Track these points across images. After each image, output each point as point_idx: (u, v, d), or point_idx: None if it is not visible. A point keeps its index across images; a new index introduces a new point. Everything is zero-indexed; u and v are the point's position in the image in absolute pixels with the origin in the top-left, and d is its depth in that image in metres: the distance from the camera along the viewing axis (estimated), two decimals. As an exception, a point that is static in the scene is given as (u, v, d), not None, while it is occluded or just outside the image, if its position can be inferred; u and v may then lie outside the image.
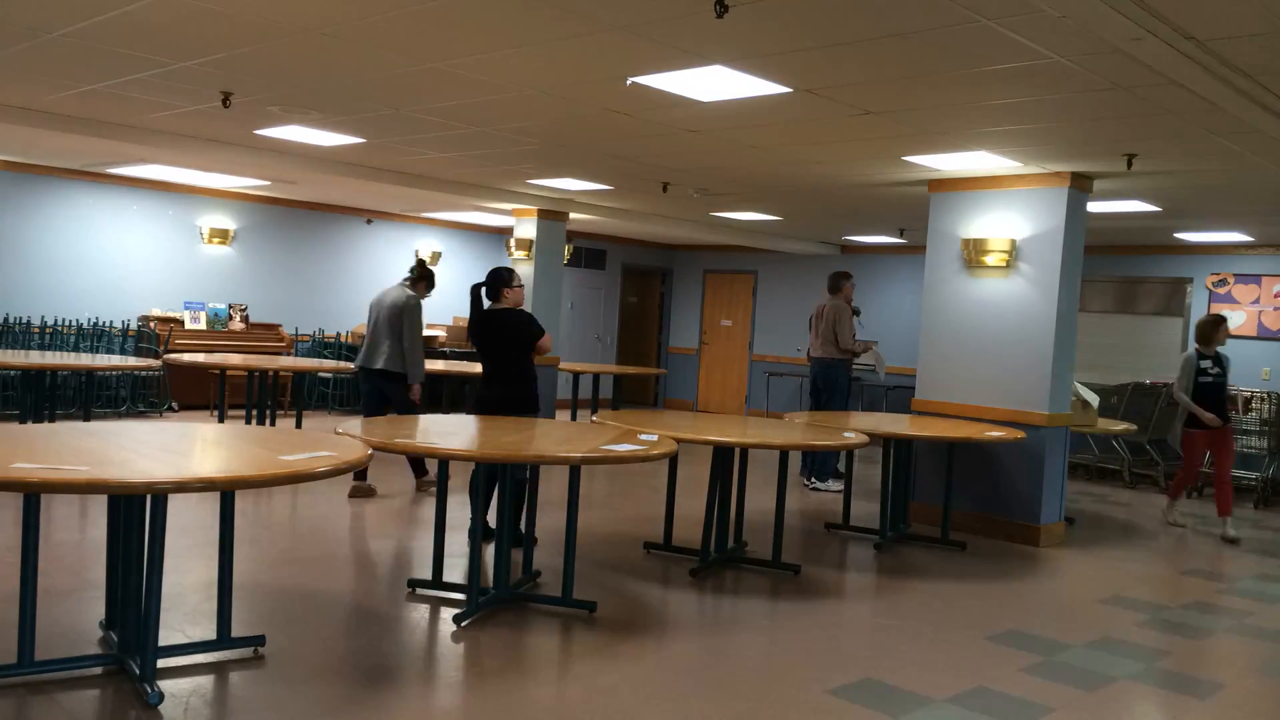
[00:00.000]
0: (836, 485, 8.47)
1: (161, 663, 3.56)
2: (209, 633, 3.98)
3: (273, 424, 8.86)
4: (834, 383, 8.59)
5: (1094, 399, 7.85)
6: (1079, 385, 7.68)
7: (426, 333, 12.55)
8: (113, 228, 10.96)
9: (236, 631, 3.92)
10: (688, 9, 3.85)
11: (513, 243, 10.78)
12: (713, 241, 13.83)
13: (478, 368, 9.81)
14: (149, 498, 3.46)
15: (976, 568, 6.17)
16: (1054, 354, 6.83)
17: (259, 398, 8.69)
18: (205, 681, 3.61)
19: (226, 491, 3.78)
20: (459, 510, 6.20)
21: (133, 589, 3.59)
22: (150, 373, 10.36)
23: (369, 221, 13.11)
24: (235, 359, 8.50)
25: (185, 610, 4.31)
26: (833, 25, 3.96)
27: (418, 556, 5.53)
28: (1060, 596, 5.70)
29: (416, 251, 13.51)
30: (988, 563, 6.31)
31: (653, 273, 15.85)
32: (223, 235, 11.71)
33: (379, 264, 13.27)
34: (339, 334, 12.33)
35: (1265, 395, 9.58)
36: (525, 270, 10.67)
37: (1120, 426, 8.19)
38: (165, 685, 3.45)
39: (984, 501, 7.15)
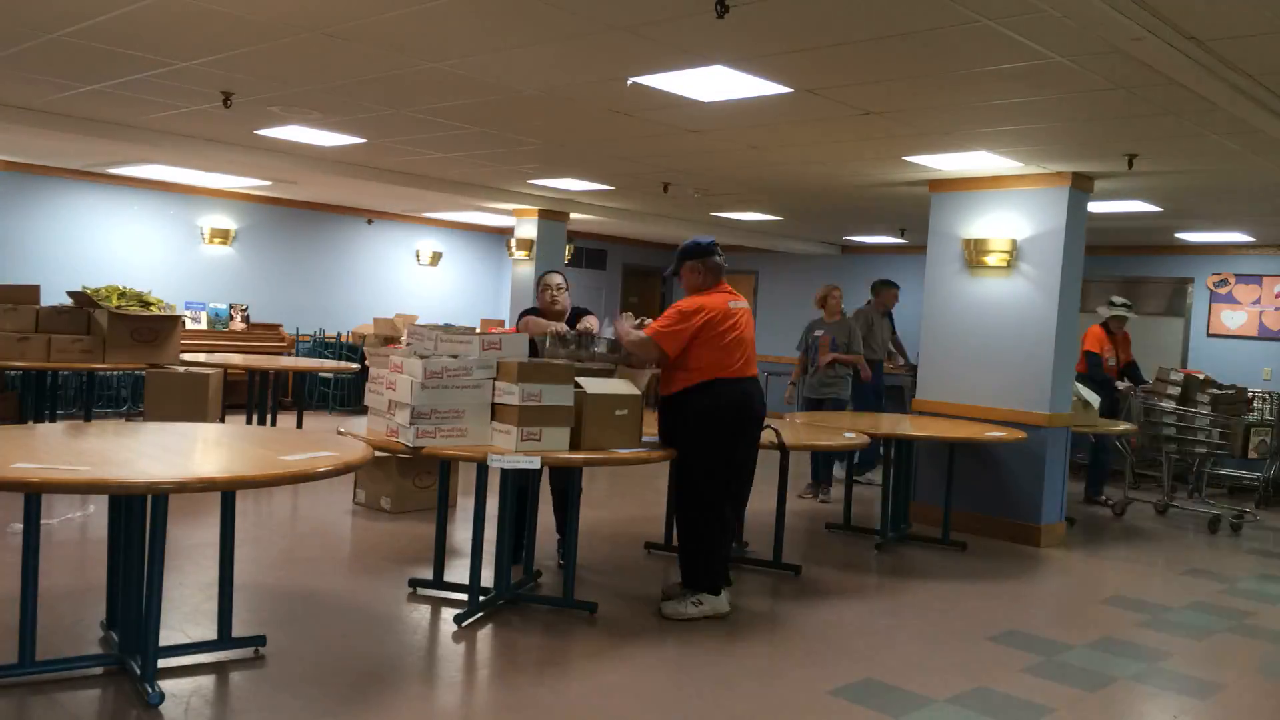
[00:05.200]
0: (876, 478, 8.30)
1: (162, 663, 3.56)
2: (209, 633, 3.98)
3: (273, 424, 8.86)
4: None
5: (1095, 399, 7.84)
6: (1080, 385, 7.67)
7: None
8: (113, 228, 10.95)
9: (237, 631, 3.91)
10: (688, 9, 3.85)
11: (513, 243, 10.78)
12: (713, 241, 13.79)
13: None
14: (150, 498, 3.46)
15: (977, 568, 6.16)
16: (1055, 354, 6.83)
17: (260, 398, 8.69)
18: (206, 681, 3.62)
19: (227, 492, 3.78)
20: (459, 511, 6.20)
21: (133, 589, 3.60)
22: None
23: (369, 221, 13.11)
24: (236, 359, 8.50)
25: (186, 610, 4.32)
26: (833, 25, 3.96)
27: (418, 556, 5.52)
28: (1061, 597, 5.70)
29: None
30: (988, 563, 6.31)
31: (653, 273, 15.84)
32: (223, 235, 11.71)
33: (379, 264, 13.27)
34: (340, 334, 12.33)
35: (1266, 395, 9.58)
36: (525, 270, 10.67)
37: (1122, 427, 8.18)
38: (166, 685, 3.44)
39: (985, 502, 7.14)
